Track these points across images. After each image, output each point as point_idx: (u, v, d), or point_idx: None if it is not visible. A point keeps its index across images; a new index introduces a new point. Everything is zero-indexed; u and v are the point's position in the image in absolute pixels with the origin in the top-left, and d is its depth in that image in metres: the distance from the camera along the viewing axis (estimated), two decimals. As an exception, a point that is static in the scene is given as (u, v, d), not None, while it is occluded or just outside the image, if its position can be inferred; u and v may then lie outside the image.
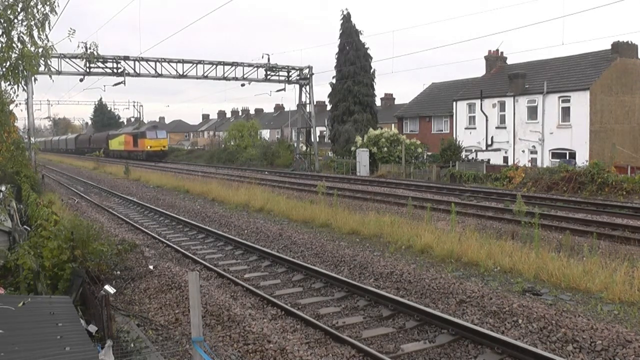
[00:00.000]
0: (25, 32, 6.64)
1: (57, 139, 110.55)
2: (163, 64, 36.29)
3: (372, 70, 44.29)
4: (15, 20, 6.68)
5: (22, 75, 7.04)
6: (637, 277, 8.49)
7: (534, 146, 33.82)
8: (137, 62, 35.28)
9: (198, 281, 5.50)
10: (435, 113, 43.34)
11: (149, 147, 59.45)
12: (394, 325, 7.97)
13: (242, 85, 39.47)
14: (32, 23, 6.55)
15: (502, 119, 35.99)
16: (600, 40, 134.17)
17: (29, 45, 6.70)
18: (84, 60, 31.78)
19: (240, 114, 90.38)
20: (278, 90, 55.52)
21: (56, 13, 6.68)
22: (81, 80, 35.09)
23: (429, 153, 35.64)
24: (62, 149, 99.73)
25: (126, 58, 34.97)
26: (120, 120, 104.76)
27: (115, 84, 37.03)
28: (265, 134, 70.65)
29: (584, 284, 8.73)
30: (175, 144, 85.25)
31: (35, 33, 6.62)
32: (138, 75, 35.70)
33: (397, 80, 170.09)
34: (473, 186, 24.53)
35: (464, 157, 32.56)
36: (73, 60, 32.73)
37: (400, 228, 13.08)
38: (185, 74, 36.87)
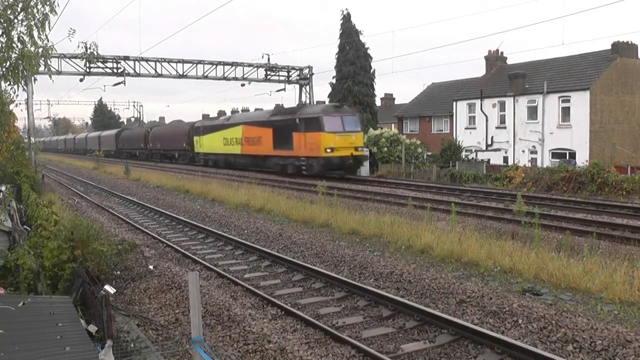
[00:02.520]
0: (25, 32, 6.64)
1: (82, 137, 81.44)
2: (163, 64, 36.31)
3: (372, 70, 44.28)
4: (15, 20, 6.68)
5: (22, 75, 7.04)
6: (637, 277, 8.49)
7: (534, 146, 33.81)
8: (137, 62, 35.31)
9: (198, 281, 5.50)
10: (435, 113, 43.34)
11: (327, 151, 27.33)
12: (394, 325, 7.97)
13: (242, 85, 39.50)
14: (32, 23, 6.56)
15: (502, 119, 35.99)
16: (600, 40, 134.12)
17: (29, 45, 6.71)
18: (84, 60, 31.77)
19: (240, 113, 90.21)
20: (278, 90, 51.54)
21: (56, 13, 6.69)
22: (81, 80, 35.14)
23: (429, 153, 35.63)
24: (90, 149, 68.37)
25: (126, 58, 34.99)
26: (120, 120, 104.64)
27: (115, 84, 37.09)
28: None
29: (584, 284, 8.72)
30: None
31: (35, 33, 6.63)
32: (138, 75, 35.72)
33: (397, 80, 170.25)
34: (473, 186, 24.51)
35: (464, 157, 32.56)
36: (73, 60, 32.77)
37: (400, 228, 13.07)
38: (185, 74, 36.89)
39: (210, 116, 77.21)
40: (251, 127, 34.26)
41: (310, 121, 28.29)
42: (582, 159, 27.86)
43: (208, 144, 40.23)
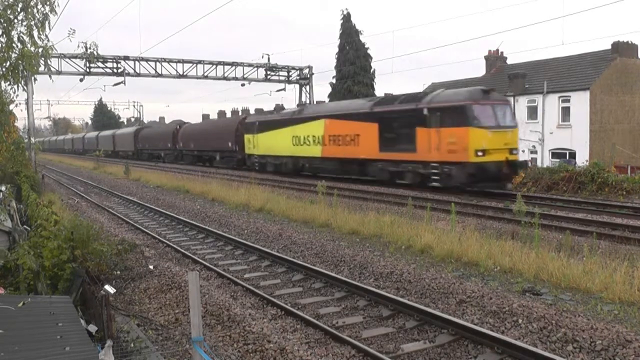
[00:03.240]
0: (25, 32, 6.65)
1: (92, 137, 69.43)
2: (163, 64, 36.36)
3: (372, 70, 44.37)
4: (15, 20, 6.69)
5: (22, 75, 7.05)
6: (637, 277, 8.48)
7: (534, 146, 33.84)
8: (137, 62, 35.36)
9: (198, 281, 5.50)
10: (435, 113, 43.25)
11: (477, 154, 19.04)
12: (394, 325, 7.97)
13: (242, 85, 39.57)
14: (32, 23, 6.57)
15: (502, 119, 35.95)
16: (600, 40, 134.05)
17: (29, 45, 6.72)
18: (84, 60, 31.93)
19: (240, 114, 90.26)
20: (278, 90, 50.31)
21: (56, 13, 6.69)
22: (81, 80, 35.18)
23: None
24: (102, 150, 56.20)
25: (126, 58, 35.04)
26: (121, 120, 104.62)
27: (115, 84, 37.16)
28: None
29: (584, 284, 8.72)
30: None
31: (35, 33, 6.64)
32: (138, 75, 35.78)
33: (397, 80, 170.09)
34: (473, 186, 24.46)
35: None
36: (73, 60, 32.83)
37: (400, 228, 13.07)
38: (185, 74, 36.94)
39: (210, 117, 74.39)
40: (340, 121, 25.82)
41: (450, 111, 20.00)
42: (582, 158, 27.87)
43: (267, 144, 31.79)
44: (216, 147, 38.96)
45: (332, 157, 26.35)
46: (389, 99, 25.14)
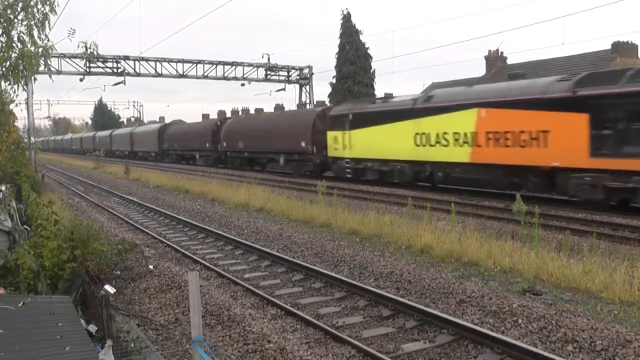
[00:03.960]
0: (25, 32, 6.65)
1: (104, 135, 61.66)
2: (163, 63, 36.42)
3: (372, 70, 44.32)
4: (15, 20, 6.68)
5: (22, 75, 7.04)
6: (637, 277, 8.48)
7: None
8: (137, 62, 35.42)
9: (198, 281, 5.50)
10: (435, 113, 43.09)
11: None
12: (394, 325, 7.98)
13: (242, 85, 39.62)
14: (32, 23, 6.56)
15: (503, 119, 35.80)
16: (600, 40, 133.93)
17: (29, 45, 6.71)
18: (84, 60, 31.96)
19: (240, 113, 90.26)
20: (278, 90, 49.88)
21: (56, 13, 6.69)
22: (81, 80, 35.26)
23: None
24: (118, 150, 52.33)
25: (126, 58, 35.09)
26: (120, 120, 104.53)
27: (115, 84, 37.22)
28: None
29: (584, 284, 8.72)
30: None
31: (35, 33, 6.63)
32: (138, 75, 35.85)
33: (397, 80, 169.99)
34: (473, 186, 24.41)
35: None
36: (73, 60, 32.89)
37: (400, 228, 13.07)
38: (185, 73, 36.99)
39: (210, 117, 66.46)
40: (509, 111, 17.99)
41: None
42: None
43: (367, 143, 24.27)
44: (280, 147, 30.81)
45: (490, 164, 18.55)
46: (606, 75, 16.80)
